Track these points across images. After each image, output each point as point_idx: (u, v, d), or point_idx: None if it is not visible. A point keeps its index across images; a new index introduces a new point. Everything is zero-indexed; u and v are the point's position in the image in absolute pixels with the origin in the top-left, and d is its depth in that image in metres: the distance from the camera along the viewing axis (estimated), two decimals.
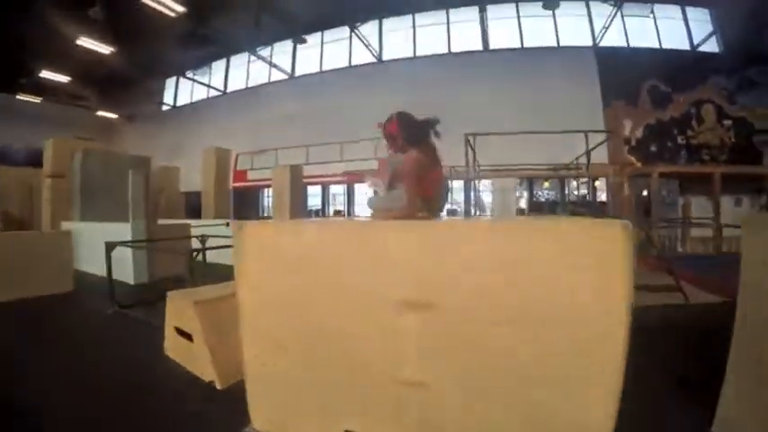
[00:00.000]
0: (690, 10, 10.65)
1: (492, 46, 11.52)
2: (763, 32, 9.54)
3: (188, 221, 7.81)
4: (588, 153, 6.29)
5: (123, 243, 4.35)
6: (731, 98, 10.17)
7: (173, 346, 2.57)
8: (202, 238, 5.27)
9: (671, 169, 9.22)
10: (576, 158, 7.42)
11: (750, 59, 9.91)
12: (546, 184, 11.47)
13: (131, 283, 5.12)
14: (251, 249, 1.61)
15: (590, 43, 10.91)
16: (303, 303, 1.52)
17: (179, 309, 2.46)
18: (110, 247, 3.90)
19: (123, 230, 5.21)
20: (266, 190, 14.37)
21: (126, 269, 5.04)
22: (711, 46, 10.51)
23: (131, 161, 8.92)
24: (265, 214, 14.34)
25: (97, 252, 5.04)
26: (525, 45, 11.34)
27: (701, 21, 10.67)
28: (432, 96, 11.39)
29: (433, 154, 2.23)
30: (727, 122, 10.08)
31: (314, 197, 14.14)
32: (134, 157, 9.45)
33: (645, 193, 9.79)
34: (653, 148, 10.47)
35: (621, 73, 10.45)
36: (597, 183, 11.14)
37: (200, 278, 3.40)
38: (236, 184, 14.24)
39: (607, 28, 10.61)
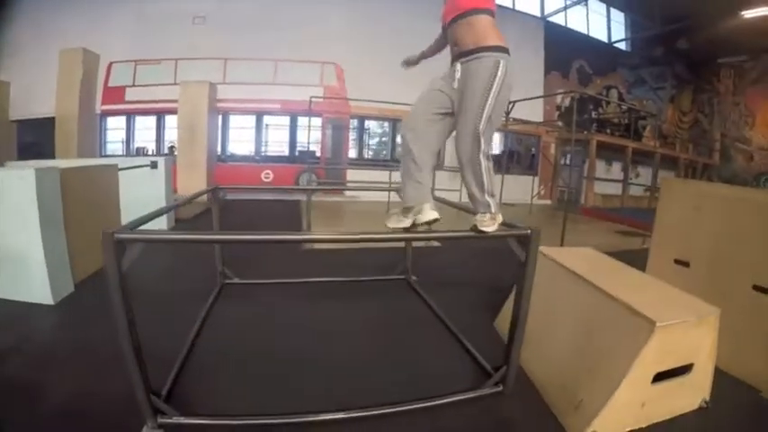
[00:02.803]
0: (612, 11, 12.49)
1: None
2: (655, 47, 11.98)
3: (111, 161, 4.89)
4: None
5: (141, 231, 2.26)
6: (629, 89, 12.45)
7: None
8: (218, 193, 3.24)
9: (606, 138, 10.62)
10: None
11: (645, 62, 12.30)
12: None
13: (50, 302, 2.77)
14: None
15: (539, 14, 11.63)
16: None
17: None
18: (121, 246, 1.42)
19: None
20: (156, 117, 10.54)
21: (32, 276, 2.77)
22: (622, 45, 12.61)
23: None
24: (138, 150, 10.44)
25: None
26: None
27: (619, 22, 12.64)
28: (391, 25, 10.29)
29: None
30: (624, 106, 12.22)
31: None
32: None
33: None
34: (575, 117, 11.95)
35: (560, 49, 11.49)
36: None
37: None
38: (108, 107, 10.00)
39: (566, 8, 11.49)
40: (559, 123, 11.64)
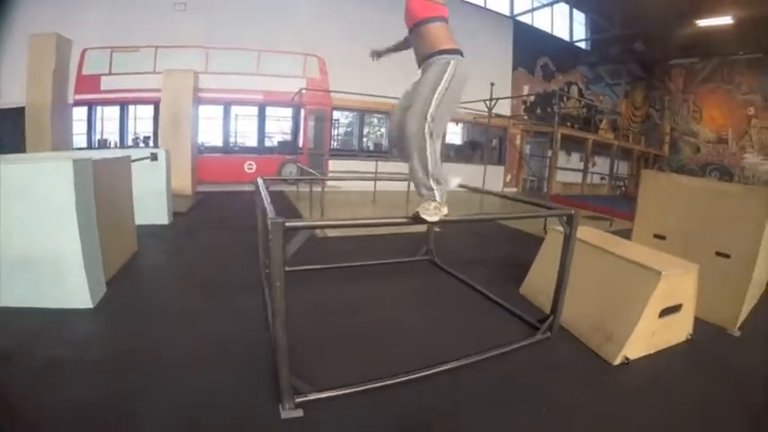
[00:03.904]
0: (575, 12, 13.33)
1: None
2: (612, 45, 12.94)
3: (125, 152, 4.97)
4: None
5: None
6: (587, 85, 13.41)
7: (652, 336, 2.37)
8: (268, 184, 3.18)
9: (569, 131, 11.48)
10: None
11: (603, 60, 13.26)
12: None
13: (89, 306, 2.62)
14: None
15: (508, 13, 12.30)
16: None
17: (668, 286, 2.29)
18: (289, 234, 1.69)
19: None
20: (120, 108, 10.37)
21: (69, 279, 2.59)
22: (582, 44, 13.50)
23: None
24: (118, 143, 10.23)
25: None
26: None
27: (580, 23, 13.51)
28: (377, 22, 10.67)
29: None
30: (583, 101, 13.19)
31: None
32: None
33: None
34: (538, 111, 12.81)
35: (527, 46, 12.25)
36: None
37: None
38: (82, 97, 9.81)
39: (533, 10, 12.19)
40: (525, 116, 12.46)
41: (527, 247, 3.29)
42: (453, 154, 12.02)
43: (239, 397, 1.79)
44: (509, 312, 2.81)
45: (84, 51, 9.75)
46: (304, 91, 9.15)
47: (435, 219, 1.87)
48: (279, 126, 10.41)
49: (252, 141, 10.27)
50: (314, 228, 1.77)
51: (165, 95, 9.17)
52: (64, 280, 2.57)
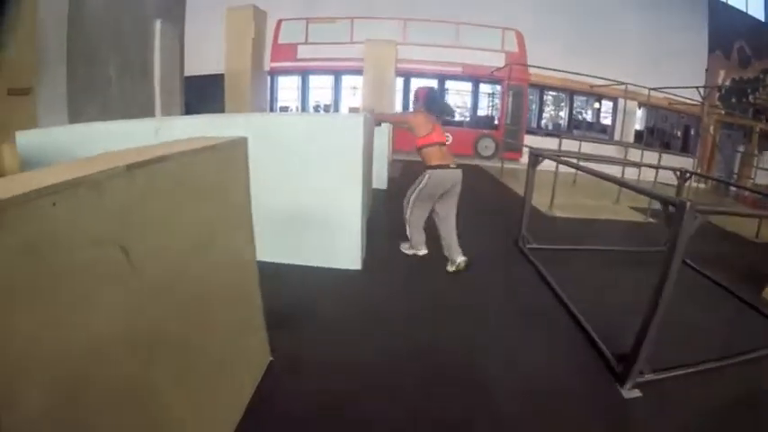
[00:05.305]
0: None
1: None
2: None
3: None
4: None
5: None
6: None
7: None
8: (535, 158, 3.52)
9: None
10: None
11: None
12: None
13: (358, 268, 2.63)
14: None
15: None
16: None
17: None
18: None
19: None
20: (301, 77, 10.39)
21: (347, 240, 2.56)
22: None
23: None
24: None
25: None
26: None
27: None
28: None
29: (431, 121, 2.83)
30: None
31: None
32: None
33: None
34: (733, 100, 11.52)
35: (721, 27, 11.12)
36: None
37: None
38: (278, 64, 9.89)
39: None
40: (719, 105, 11.26)
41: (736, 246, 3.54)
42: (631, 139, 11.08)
43: (567, 376, 1.83)
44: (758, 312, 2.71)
45: (279, 22, 9.83)
46: (509, 66, 8.58)
47: (408, 252, 2.98)
48: (476, 100, 9.96)
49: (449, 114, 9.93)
50: (721, 213, 2.03)
51: (368, 64, 9.00)
52: (341, 240, 2.51)
